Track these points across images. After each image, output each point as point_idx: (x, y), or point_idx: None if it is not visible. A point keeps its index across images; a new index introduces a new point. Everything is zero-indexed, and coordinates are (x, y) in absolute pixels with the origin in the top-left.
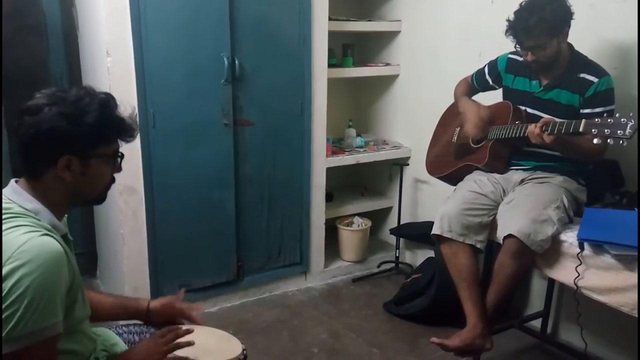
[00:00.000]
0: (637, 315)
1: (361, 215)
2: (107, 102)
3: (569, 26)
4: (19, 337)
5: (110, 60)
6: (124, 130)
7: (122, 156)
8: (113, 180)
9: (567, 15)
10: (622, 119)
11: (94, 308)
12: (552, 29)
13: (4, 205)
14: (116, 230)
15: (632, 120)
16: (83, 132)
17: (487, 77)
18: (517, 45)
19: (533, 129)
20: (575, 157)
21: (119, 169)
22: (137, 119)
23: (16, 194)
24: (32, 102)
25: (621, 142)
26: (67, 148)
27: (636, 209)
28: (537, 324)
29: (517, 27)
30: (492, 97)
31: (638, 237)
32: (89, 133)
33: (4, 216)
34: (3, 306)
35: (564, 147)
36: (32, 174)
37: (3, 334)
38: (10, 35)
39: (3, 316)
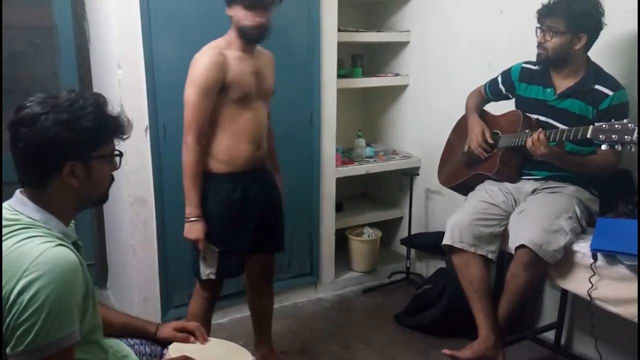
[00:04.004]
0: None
1: (371, 225)
2: (99, 102)
3: (588, 35)
4: (39, 348)
5: (122, 72)
6: (120, 128)
7: (121, 154)
8: (112, 179)
9: (591, 22)
10: (630, 124)
11: (102, 324)
12: (570, 20)
13: (11, 216)
14: (126, 242)
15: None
16: (82, 136)
17: (501, 86)
18: (537, 26)
19: (535, 136)
20: (586, 172)
21: (117, 167)
22: (145, 131)
23: (22, 204)
24: (25, 112)
25: (629, 147)
26: (69, 154)
27: None
28: (550, 335)
29: (545, 6)
30: (506, 107)
31: (638, 243)
32: (88, 136)
33: (14, 227)
34: (22, 319)
35: (566, 163)
36: (37, 185)
37: (22, 346)
38: (22, 47)
39: (22, 328)
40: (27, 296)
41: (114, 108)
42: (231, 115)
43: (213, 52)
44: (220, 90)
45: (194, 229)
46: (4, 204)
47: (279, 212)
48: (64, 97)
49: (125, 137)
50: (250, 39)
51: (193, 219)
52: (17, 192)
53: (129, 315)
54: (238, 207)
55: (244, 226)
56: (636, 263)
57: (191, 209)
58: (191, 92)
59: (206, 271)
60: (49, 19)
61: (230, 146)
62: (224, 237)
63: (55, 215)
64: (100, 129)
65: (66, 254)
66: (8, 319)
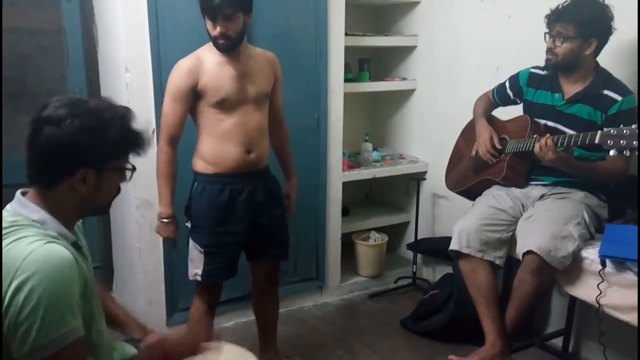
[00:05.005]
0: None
1: (378, 230)
2: (127, 116)
3: (599, 39)
4: (42, 346)
5: (129, 75)
6: (141, 144)
7: (134, 169)
8: (119, 190)
9: (601, 27)
10: (638, 130)
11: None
12: (580, 26)
13: (10, 218)
14: (133, 244)
15: None
16: (104, 146)
17: (509, 91)
18: (546, 32)
19: (542, 142)
20: (595, 178)
21: (127, 180)
22: (152, 134)
23: (22, 206)
24: (51, 111)
25: (637, 153)
26: (85, 161)
27: None
28: (558, 342)
29: (555, 11)
30: (514, 112)
31: (638, 248)
32: (109, 147)
33: (10, 229)
34: (20, 320)
35: (574, 168)
36: (45, 184)
37: (26, 348)
38: (30, 50)
39: (22, 329)
40: (21, 297)
41: (139, 124)
42: (213, 119)
43: (190, 57)
44: (198, 95)
45: (165, 229)
46: (7, 206)
47: (277, 223)
48: (93, 103)
49: (142, 154)
50: (218, 48)
51: (165, 220)
52: (17, 193)
53: (126, 312)
54: (224, 209)
55: (231, 229)
56: None
57: (162, 208)
58: (165, 98)
59: (192, 272)
60: (57, 22)
61: (216, 148)
62: (209, 238)
63: (55, 216)
64: (123, 142)
65: (57, 250)
66: (7, 322)
